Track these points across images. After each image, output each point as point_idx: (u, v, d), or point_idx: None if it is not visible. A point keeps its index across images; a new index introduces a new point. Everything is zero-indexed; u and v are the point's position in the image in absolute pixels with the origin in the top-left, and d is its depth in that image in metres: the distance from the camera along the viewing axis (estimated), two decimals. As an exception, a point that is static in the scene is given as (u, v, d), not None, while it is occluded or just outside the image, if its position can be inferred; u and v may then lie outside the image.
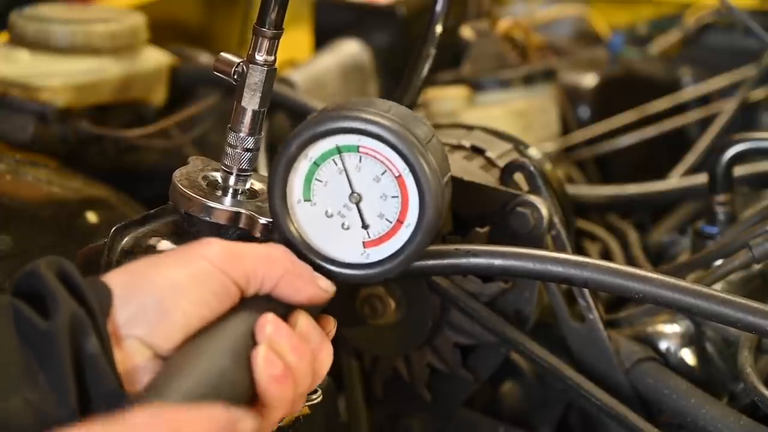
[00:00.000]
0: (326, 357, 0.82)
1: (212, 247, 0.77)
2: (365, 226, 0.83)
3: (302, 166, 0.83)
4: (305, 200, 0.84)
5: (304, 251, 0.84)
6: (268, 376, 0.75)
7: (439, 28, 1.11)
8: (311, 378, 0.80)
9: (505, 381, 1.19)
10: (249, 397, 0.76)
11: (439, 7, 1.11)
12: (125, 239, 0.87)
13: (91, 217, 1.26)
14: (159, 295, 0.73)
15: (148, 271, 0.75)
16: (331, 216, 0.84)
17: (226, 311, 0.77)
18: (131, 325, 0.73)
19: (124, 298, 0.73)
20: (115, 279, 0.74)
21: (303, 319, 0.81)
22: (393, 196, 0.83)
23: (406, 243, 0.83)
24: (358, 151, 0.82)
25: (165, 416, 0.64)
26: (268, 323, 0.77)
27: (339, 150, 0.82)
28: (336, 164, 0.83)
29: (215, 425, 0.65)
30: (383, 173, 0.82)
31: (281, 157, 0.83)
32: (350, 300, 1.10)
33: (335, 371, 1.12)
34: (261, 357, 0.75)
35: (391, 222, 0.83)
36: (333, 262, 0.84)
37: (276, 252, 0.81)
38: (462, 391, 1.16)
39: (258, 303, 0.79)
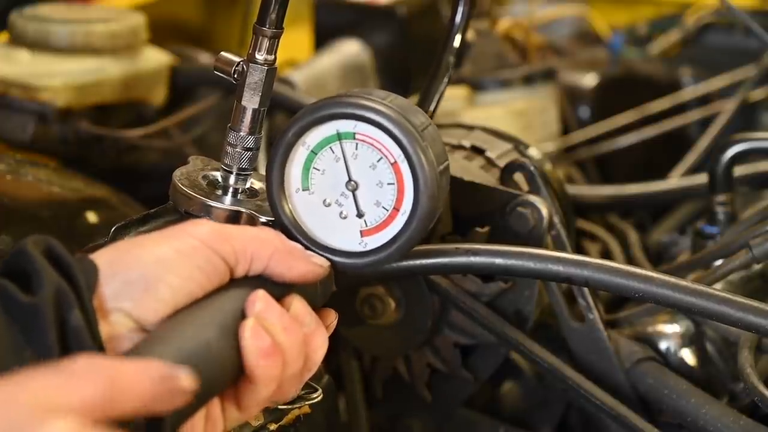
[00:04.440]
0: (320, 343, 0.81)
1: (201, 226, 0.78)
2: (361, 214, 0.84)
3: (300, 155, 0.84)
4: (303, 189, 0.84)
5: (301, 240, 0.84)
6: (255, 348, 0.75)
7: (458, 39, 1.10)
8: (303, 362, 0.79)
9: (505, 381, 1.19)
10: (235, 371, 0.75)
11: (458, 18, 1.10)
12: (125, 238, 0.87)
13: (91, 217, 1.25)
14: (144, 269, 0.73)
15: (135, 247, 0.75)
16: (329, 205, 0.84)
17: (215, 289, 0.76)
18: (117, 299, 0.73)
19: (109, 273, 0.73)
20: (102, 256, 0.75)
21: (297, 302, 0.80)
22: (389, 183, 0.83)
23: (402, 230, 0.83)
24: (355, 138, 0.82)
25: (101, 364, 0.63)
26: (259, 299, 0.77)
27: (339, 136, 0.83)
28: (333, 152, 0.83)
29: (151, 377, 0.64)
30: (379, 160, 0.82)
31: (279, 144, 0.83)
32: (350, 300, 1.10)
33: (335, 371, 1.13)
34: (248, 329, 0.75)
35: (387, 210, 0.83)
36: (331, 251, 0.84)
37: (265, 232, 0.81)
38: (462, 391, 1.16)
39: (249, 282, 0.79)
